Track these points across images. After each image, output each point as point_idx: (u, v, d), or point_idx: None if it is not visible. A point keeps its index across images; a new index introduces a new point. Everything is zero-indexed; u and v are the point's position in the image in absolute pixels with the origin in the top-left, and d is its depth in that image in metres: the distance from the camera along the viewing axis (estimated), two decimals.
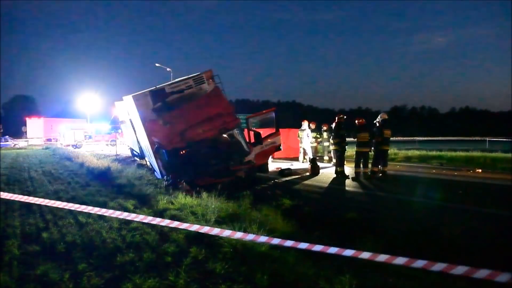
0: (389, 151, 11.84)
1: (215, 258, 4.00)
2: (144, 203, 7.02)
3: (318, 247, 2.84)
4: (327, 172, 12.76)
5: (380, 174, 11.25)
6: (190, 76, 10.04)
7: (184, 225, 3.74)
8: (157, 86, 9.74)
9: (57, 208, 6.59)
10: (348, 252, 2.73)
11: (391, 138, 12.22)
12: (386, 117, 11.63)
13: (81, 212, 6.11)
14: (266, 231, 4.65)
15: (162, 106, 9.40)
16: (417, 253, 2.81)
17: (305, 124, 15.91)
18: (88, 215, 5.93)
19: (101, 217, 5.84)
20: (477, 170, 12.53)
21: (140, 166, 13.67)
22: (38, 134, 41.17)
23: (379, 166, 11.34)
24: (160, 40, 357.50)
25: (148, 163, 13.41)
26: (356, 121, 11.42)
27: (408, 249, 4.25)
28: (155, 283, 3.44)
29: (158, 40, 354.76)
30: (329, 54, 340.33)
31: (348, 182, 10.53)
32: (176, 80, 10.49)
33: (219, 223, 5.30)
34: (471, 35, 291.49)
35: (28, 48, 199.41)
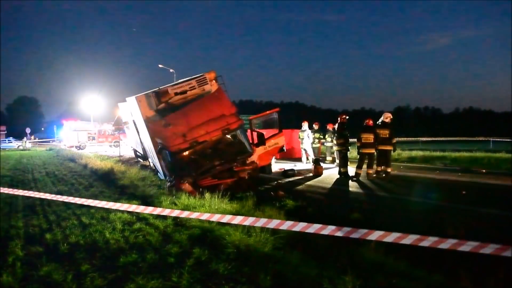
0: (391, 152, 11.72)
1: (218, 259, 3.99)
2: (147, 204, 7.02)
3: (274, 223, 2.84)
4: (331, 172, 12.73)
5: (384, 175, 11.20)
6: (193, 77, 10.04)
7: (194, 215, 3.74)
8: (160, 88, 9.75)
9: (59, 209, 6.62)
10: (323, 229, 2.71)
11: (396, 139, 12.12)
12: (383, 118, 11.53)
13: (84, 213, 6.15)
14: (269, 231, 4.64)
15: (165, 107, 9.41)
16: (420, 254, 2.79)
17: (305, 125, 15.86)
18: (91, 216, 5.95)
19: (104, 218, 5.86)
20: (481, 171, 12.46)
21: (143, 167, 13.71)
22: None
23: (382, 166, 11.29)
24: (163, 41, 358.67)
25: (151, 164, 13.43)
26: (365, 122, 11.38)
27: (412, 249, 4.22)
28: (158, 284, 3.44)
29: (161, 41, 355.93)
30: (332, 55, 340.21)
31: (351, 183, 10.49)
32: (179, 81, 10.49)
33: (222, 224, 5.29)
34: (475, 35, 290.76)
35: (31, 49, 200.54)
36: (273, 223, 3.08)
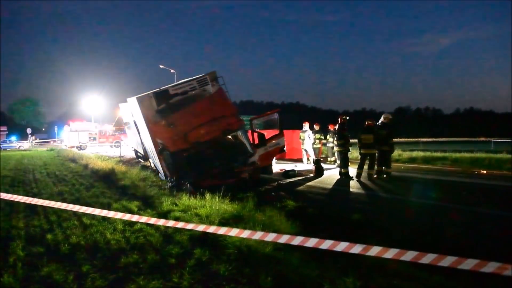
0: (391, 153, 11.70)
1: (219, 260, 3.99)
2: (148, 204, 7.03)
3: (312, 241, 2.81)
4: (331, 173, 12.72)
5: (385, 176, 11.19)
6: (194, 77, 10.03)
7: (190, 226, 3.72)
8: (161, 88, 9.75)
9: (60, 209, 6.62)
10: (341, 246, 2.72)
11: (395, 139, 12.12)
12: (382, 119, 11.54)
13: (85, 214, 6.15)
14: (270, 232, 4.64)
15: (166, 108, 9.41)
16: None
17: (306, 125, 15.85)
18: (93, 216, 5.95)
19: (105, 218, 5.86)
20: (482, 171, 12.44)
21: (144, 167, 13.71)
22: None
23: (383, 167, 11.28)
24: (164, 41, 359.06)
25: (152, 165, 13.43)
26: (365, 123, 11.39)
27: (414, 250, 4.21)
28: (159, 285, 3.44)
29: (162, 42, 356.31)
30: (333, 56, 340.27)
31: (352, 183, 10.48)
32: (180, 81, 10.50)
33: (223, 224, 5.28)
34: (476, 36, 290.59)
35: (31, 50, 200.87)
36: (284, 238, 3.05)
